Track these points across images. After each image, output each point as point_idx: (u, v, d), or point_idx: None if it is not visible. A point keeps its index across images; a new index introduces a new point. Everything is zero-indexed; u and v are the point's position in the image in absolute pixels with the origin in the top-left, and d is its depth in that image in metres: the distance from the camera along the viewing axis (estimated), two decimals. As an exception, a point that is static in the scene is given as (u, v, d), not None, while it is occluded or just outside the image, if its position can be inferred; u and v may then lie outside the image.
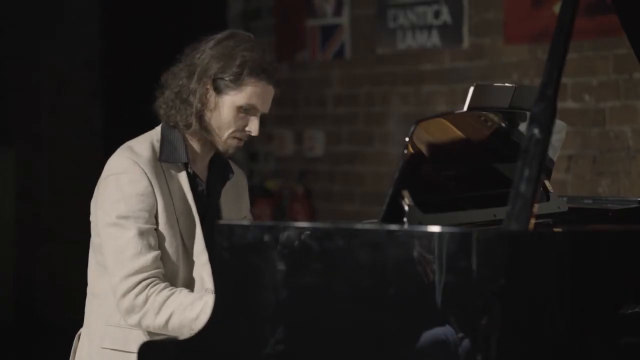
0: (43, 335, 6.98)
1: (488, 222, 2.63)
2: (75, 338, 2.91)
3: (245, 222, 2.29)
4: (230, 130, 2.81)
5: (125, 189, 2.72)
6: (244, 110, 2.80)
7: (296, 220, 6.06)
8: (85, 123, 7.16)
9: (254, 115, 2.82)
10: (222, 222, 2.34)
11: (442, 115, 3.26)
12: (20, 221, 7.35)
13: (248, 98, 2.79)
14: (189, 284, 2.79)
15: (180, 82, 2.82)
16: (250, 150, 6.54)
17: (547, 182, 2.93)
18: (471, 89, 2.48)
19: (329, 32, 5.98)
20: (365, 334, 2.18)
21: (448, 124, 2.61)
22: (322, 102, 6.07)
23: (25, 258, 7.34)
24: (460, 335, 2.10)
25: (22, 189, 7.38)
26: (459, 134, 2.63)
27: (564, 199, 3.02)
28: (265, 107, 2.84)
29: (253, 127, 2.82)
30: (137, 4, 6.83)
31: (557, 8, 2.85)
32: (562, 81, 2.29)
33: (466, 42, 5.21)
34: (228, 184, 2.95)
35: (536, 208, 2.21)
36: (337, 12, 5.93)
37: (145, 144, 2.80)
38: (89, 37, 7.29)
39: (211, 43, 2.82)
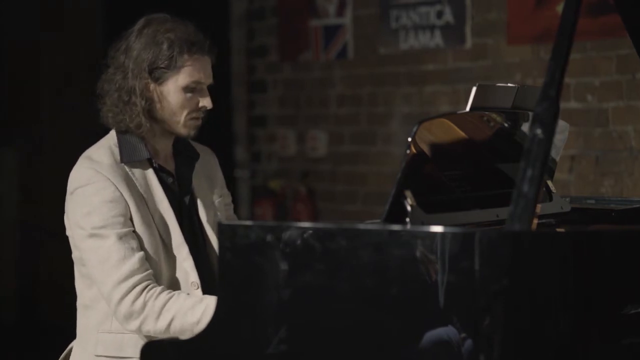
0: (45, 335, 6.98)
1: (491, 223, 2.63)
2: (65, 352, 2.88)
3: (248, 223, 2.29)
4: (185, 114, 2.78)
5: (93, 199, 2.68)
6: (191, 90, 2.78)
7: (299, 220, 6.06)
8: (87, 123, 7.14)
9: (202, 90, 2.80)
10: (224, 222, 2.33)
11: (445, 115, 3.25)
12: (22, 221, 7.36)
13: (190, 76, 2.77)
14: (174, 280, 2.76)
15: (117, 86, 2.78)
16: (253, 150, 6.54)
17: (549, 182, 2.93)
18: (474, 89, 2.48)
19: (331, 32, 5.98)
20: (368, 334, 2.18)
21: (451, 124, 2.60)
22: (325, 102, 6.06)
23: (27, 258, 7.34)
24: (463, 335, 2.10)
25: (24, 189, 7.38)
26: (461, 134, 2.63)
27: (567, 199, 3.02)
28: (208, 79, 2.81)
29: (205, 101, 2.80)
30: (139, 4, 6.83)
31: (560, 8, 2.85)
32: (565, 81, 2.29)
33: (469, 42, 5.21)
34: (197, 166, 2.91)
35: (539, 208, 2.21)
36: (340, 12, 5.93)
37: (103, 150, 2.77)
38: (92, 38, 7.28)
39: (132, 37, 2.80)
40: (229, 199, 3.05)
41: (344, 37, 5.91)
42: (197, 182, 2.90)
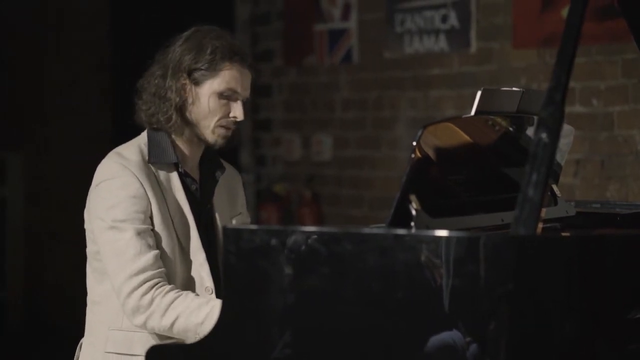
0: (51, 339, 6.99)
1: (496, 227, 2.62)
2: (77, 348, 2.90)
3: (253, 226, 2.29)
4: (215, 119, 2.82)
5: (117, 193, 2.72)
6: (225, 97, 2.82)
7: (304, 224, 6.06)
8: (93, 126, 7.16)
9: (236, 100, 2.84)
10: (229, 226, 2.34)
11: (450, 119, 3.25)
12: (29, 225, 7.36)
13: (226, 82, 2.81)
14: (188, 284, 2.79)
15: (156, 82, 2.84)
16: (257, 154, 6.54)
17: (554, 187, 2.93)
18: (479, 93, 2.48)
19: (336, 36, 5.98)
20: (373, 339, 2.18)
21: (456, 128, 2.60)
22: (330, 106, 6.07)
23: (34, 262, 7.35)
24: (468, 339, 2.10)
25: (30, 192, 7.39)
26: (466, 138, 2.63)
27: (572, 203, 3.01)
28: (245, 91, 2.85)
29: (237, 112, 2.84)
30: (145, 7, 6.84)
31: (565, 12, 2.84)
32: (570, 85, 2.29)
33: (474, 47, 5.21)
34: (221, 180, 2.94)
35: (544, 212, 2.20)
36: (345, 16, 5.94)
37: (133, 148, 2.82)
38: (98, 41, 7.30)
39: (179, 41, 2.86)
40: (248, 219, 3.08)
41: (349, 41, 5.91)
42: (219, 195, 2.94)
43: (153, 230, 2.74)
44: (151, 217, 2.74)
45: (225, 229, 2.32)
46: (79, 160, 7.02)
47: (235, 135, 2.88)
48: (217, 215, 2.91)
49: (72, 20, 7.30)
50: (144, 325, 2.69)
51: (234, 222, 2.97)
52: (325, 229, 2.24)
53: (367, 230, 2.24)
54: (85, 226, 2.83)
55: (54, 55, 7.30)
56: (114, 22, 7.28)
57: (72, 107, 7.28)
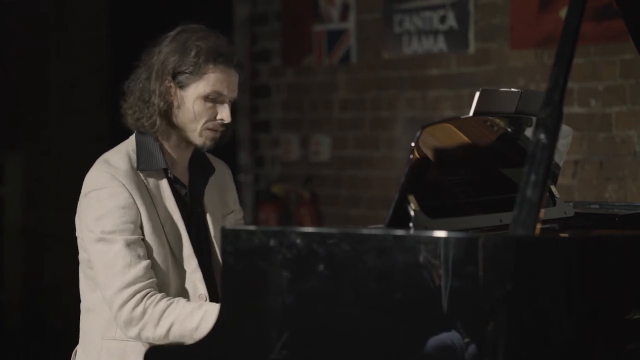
0: (49, 340, 6.99)
1: (494, 227, 2.63)
2: (72, 355, 2.89)
3: (251, 227, 2.29)
4: (201, 123, 2.78)
5: (106, 203, 2.69)
6: (211, 100, 2.78)
7: (302, 225, 6.05)
8: (92, 129, 7.16)
9: (222, 102, 2.80)
10: (227, 227, 2.33)
11: (448, 120, 3.26)
12: (28, 227, 7.36)
13: (211, 85, 2.77)
14: (182, 291, 2.77)
15: (141, 85, 2.80)
16: (256, 155, 6.54)
17: (553, 187, 2.93)
18: (477, 94, 2.48)
19: (335, 37, 5.98)
20: (372, 339, 2.18)
21: (454, 128, 2.60)
22: (328, 106, 6.07)
23: (33, 264, 7.35)
24: (467, 340, 2.10)
25: (29, 195, 7.38)
26: (465, 139, 2.63)
27: (571, 204, 3.02)
28: (231, 92, 2.81)
29: (224, 114, 2.79)
30: (143, 9, 6.84)
31: (563, 13, 2.85)
32: (568, 86, 2.29)
33: (472, 47, 5.21)
34: (210, 180, 2.91)
35: (542, 213, 2.21)
36: (343, 17, 5.94)
37: (120, 154, 2.78)
38: (97, 43, 7.30)
39: (165, 42, 2.81)
40: (241, 214, 3.06)
41: (347, 41, 5.91)
42: (209, 196, 2.91)
43: (144, 239, 2.71)
44: (141, 227, 2.71)
45: (223, 229, 2.32)
46: (78, 161, 7.00)
47: (224, 133, 2.84)
48: (208, 218, 2.88)
49: (72, 21, 7.30)
50: (138, 337, 2.67)
51: (226, 221, 2.95)
52: (323, 229, 2.24)
53: (365, 230, 2.24)
54: (77, 234, 2.81)
55: (54, 56, 7.30)
56: (113, 23, 7.28)
57: (72, 108, 7.28)
